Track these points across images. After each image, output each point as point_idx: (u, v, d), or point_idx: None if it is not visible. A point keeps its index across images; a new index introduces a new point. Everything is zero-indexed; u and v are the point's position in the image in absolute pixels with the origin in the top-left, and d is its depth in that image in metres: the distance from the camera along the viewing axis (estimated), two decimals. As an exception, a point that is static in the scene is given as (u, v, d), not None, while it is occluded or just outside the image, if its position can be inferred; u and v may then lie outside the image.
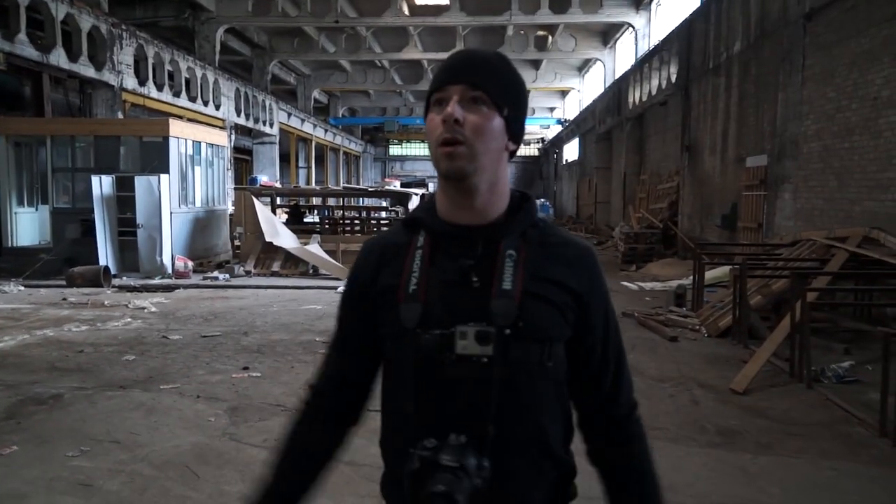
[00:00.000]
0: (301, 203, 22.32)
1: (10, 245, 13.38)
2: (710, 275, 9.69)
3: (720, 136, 13.53)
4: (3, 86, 15.94)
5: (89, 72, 14.62)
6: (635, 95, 20.09)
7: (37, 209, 14.01)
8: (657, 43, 18.98)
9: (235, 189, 18.28)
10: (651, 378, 6.01)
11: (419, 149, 51.43)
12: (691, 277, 9.65)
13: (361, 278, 1.28)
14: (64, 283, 11.61)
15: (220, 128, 20.08)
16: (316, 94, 36.90)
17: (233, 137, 22.15)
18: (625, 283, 12.28)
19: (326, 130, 36.30)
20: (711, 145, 14.07)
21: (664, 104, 17.70)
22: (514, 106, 1.21)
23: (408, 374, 1.17)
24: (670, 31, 17.08)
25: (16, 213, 13.62)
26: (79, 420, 4.83)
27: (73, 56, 14.09)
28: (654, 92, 18.08)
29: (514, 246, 1.18)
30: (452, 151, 1.15)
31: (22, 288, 11.39)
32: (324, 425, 1.31)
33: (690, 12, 15.48)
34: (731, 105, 12.94)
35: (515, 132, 1.23)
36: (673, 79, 16.37)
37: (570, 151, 36.58)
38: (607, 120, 24.27)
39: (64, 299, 10.33)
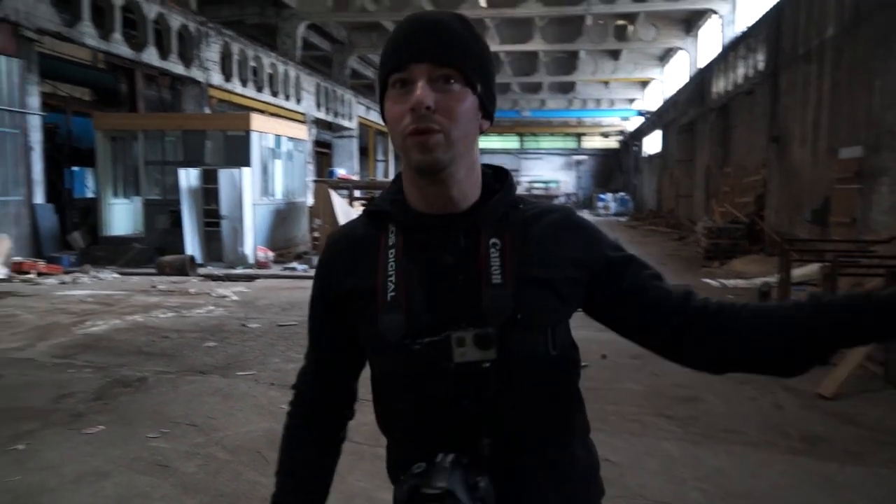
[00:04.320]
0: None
1: (105, 234, 14.17)
2: (799, 272, 9.22)
3: (811, 127, 12.84)
4: (102, 83, 16.87)
5: (178, 69, 15.26)
6: (720, 85, 19.35)
7: (130, 200, 14.77)
8: (744, 29, 18.19)
9: (315, 182, 18.70)
10: (732, 379, 5.76)
11: (496, 142, 51.27)
12: (777, 275, 9.21)
13: (328, 277, 1.16)
14: (154, 271, 12.21)
15: (301, 122, 20.59)
16: (394, 88, 37.30)
17: (313, 131, 22.66)
18: (706, 280, 11.85)
19: (404, 124, 36.66)
20: (801, 136, 13.37)
21: (750, 93, 16.96)
22: (485, 80, 1.07)
23: (399, 389, 1.09)
24: (758, 16, 16.33)
25: (111, 204, 14.42)
26: (161, 403, 5.05)
27: (163, 54, 14.74)
28: (739, 81, 17.35)
29: (497, 233, 1.06)
30: (426, 142, 1.00)
31: (116, 275, 12.03)
32: (317, 428, 1.25)
33: (781, -4, 14.77)
34: (822, 93, 12.25)
35: (489, 109, 1.09)
36: (760, 66, 15.65)
37: (651, 144, 35.63)
38: (690, 111, 23.47)
39: (153, 287, 10.84)
